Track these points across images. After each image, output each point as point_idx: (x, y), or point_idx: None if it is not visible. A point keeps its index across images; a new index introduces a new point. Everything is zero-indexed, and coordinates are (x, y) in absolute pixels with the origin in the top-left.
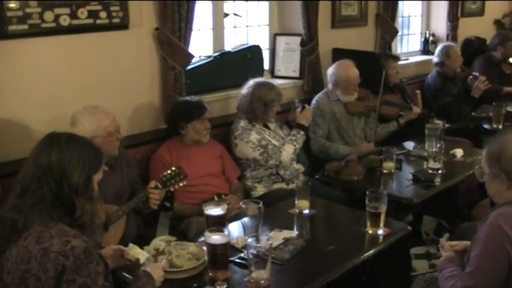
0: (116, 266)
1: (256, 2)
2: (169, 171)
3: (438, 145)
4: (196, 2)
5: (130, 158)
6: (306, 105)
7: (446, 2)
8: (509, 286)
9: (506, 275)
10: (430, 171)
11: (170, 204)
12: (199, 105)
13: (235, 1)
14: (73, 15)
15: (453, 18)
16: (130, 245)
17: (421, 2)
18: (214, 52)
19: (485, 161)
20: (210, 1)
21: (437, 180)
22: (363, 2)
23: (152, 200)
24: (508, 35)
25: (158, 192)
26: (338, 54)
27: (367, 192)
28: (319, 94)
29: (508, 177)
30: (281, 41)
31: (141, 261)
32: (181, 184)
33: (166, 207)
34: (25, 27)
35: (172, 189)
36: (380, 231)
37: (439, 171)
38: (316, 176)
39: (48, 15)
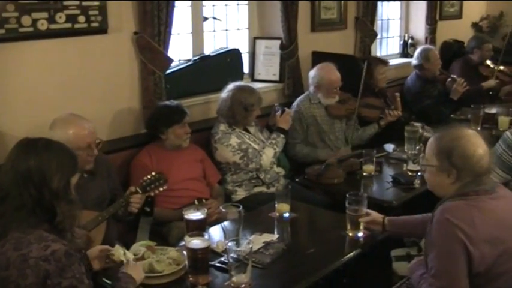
0: (101, 267)
1: (236, 5)
2: (149, 176)
3: (417, 147)
4: (175, 6)
5: (112, 165)
6: (286, 109)
7: (425, 5)
8: (475, 274)
9: (469, 264)
10: (410, 174)
11: (150, 209)
12: (180, 110)
13: (215, 5)
14: (51, 20)
15: (432, 21)
16: (117, 246)
17: (399, 4)
18: (193, 56)
19: (434, 154)
20: (190, 3)
21: (417, 182)
22: (342, 4)
23: (133, 203)
24: (484, 38)
25: (138, 197)
26: (318, 57)
27: (347, 195)
28: (300, 97)
29: (458, 173)
30: (261, 44)
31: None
32: (161, 189)
33: (146, 212)
34: (2, 31)
35: (152, 194)
36: (360, 234)
37: (419, 173)
38: (297, 180)
39: (26, 20)
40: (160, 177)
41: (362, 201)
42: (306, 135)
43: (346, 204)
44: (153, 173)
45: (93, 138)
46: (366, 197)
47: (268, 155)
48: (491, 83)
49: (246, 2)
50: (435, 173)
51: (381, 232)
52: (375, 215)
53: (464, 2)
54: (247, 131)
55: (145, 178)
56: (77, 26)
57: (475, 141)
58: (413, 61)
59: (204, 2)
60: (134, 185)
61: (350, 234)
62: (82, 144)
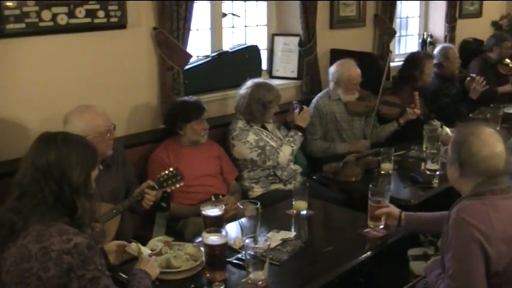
0: (119, 262)
1: (255, 2)
2: (166, 172)
3: (436, 146)
4: (195, 1)
5: (127, 157)
6: (304, 107)
7: (444, 3)
8: (493, 274)
9: (486, 264)
10: (428, 173)
11: (166, 204)
12: (198, 106)
13: (234, 1)
14: (71, 14)
15: (451, 20)
16: (133, 242)
17: (419, 3)
18: (212, 52)
19: (450, 146)
20: (208, 1)
21: (435, 182)
22: (361, 2)
23: (146, 200)
24: (503, 35)
25: (154, 193)
26: (336, 55)
27: (370, 186)
28: (320, 94)
29: (460, 166)
30: (279, 41)
31: (143, 255)
32: (178, 185)
33: (162, 207)
34: (22, 25)
35: (168, 190)
36: (381, 226)
37: (437, 173)
38: (314, 177)
39: (46, 14)
40: (178, 174)
41: (385, 193)
42: (324, 131)
43: (369, 195)
44: (171, 169)
45: (109, 122)
46: (389, 189)
47: (286, 153)
48: (507, 87)
49: None
50: (448, 165)
51: (396, 227)
52: (392, 208)
53: (484, 0)
54: (265, 128)
55: (162, 174)
56: (96, 21)
57: (485, 140)
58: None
59: None
60: (151, 179)
61: (371, 226)
62: (100, 128)
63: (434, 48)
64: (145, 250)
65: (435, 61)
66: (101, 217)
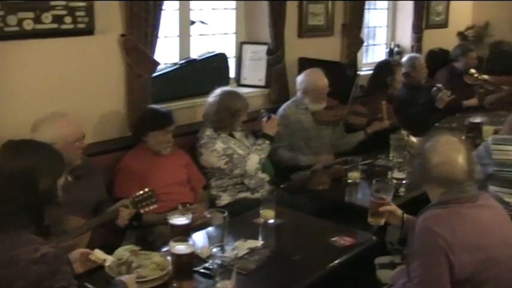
0: (83, 270)
1: (223, 10)
2: (141, 192)
3: (403, 155)
4: (163, 9)
5: (99, 170)
6: (272, 115)
7: (411, 13)
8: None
9: (450, 273)
10: (395, 181)
11: (138, 223)
12: (166, 116)
13: (202, 9)
14: (37, 20)
15: (418, 30)
16: (96, 250)
17: (386, 13)
18: (180, 60)
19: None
20: (177, 7)
21: (402, 191)
22: (330, 11)
23: (121, 218)
24: (468, 46)
25: (129, 212)
26: (304, 63)
27: (374, 181)
28: (287, 102)
29: (419, 173)
30: (248, 49)
31: (107, 263)
32: (151, 207)
33: (133, 225)
34: None
35: (142, 211)
36: (382, 223)
37: (404, 181)
38: (282, 186)
39: (11, 19)
40: (153, 196)
41: (390, 189)
42: (290, 140)
43: (373, 191)
44: (146, 190)
45: (79, 131)
46: (393, 185)
47: (253, 161)
48: (473, 101)
49: (234, 6)
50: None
51: (400, 228)
52: (396, 207)
53: (450, 11)
54: (232, 136)
55: (137, 194)
56: (63, 26)
57: (438, 148)
58: None
59: (191, 5)
60: (119, 189)
61: (372, 222)
62: (70, 138)
63: (401, 57)
64: (110, 258)
65: (403, 70)
66: (71, 231)
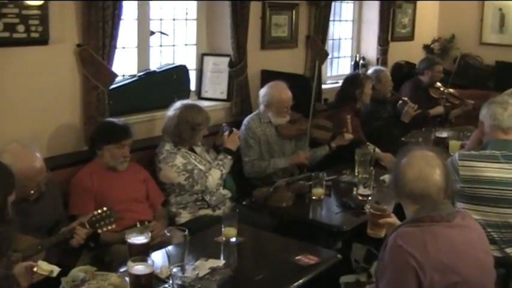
0: (28, 284)
1: (184, 20)
2: (99, 211)
3: (368, 171)
4: (122, 18)
5: (58, 191)
6: (234, 129)
7: (377, 26)
8: None
9: None
10: (360, 198)
11: (95, 244)
12: (123, 129)
13: (162, 19)
14: None
15: (383, 42)
16: (40, 261)
17: (351, 25)
18: (139, 72)
19: None
20: (136, 16)
21: (367, 207)
22: (294, 23)
23: (77, 238)
24: (434, 59)
25: (85, 232)
26: (267, 76)
27: (374, 192)
28: (250, 116)
29: (393, 188)
30: (209, 61)
31: (54, 274)
32: (110, 227)
33: (90, 246)
34: None
35: (99, 231)
36: (383, 234)
37: (369, 198)
38: (244, 203)
39: None
40: (111, 215)
41: (391, 200)
42: (260, 150)
43: (372, 203)
44: (105, 209)
45: (42, 175)
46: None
47: (215, 177)
48: (438, 109)
49: (195, 17)
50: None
51: None
52: (395, 219)
53: (416, 23)
54: (193, 151)
55: (95, 213)
56: (15, 35)
57: (412, 162)
58: None
59: (151, 15)
60: (72, 205)
61: (372, 235)
62: (29, 182)
63: (366, 70)
64: (56, 268)
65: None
66: (23, 250)
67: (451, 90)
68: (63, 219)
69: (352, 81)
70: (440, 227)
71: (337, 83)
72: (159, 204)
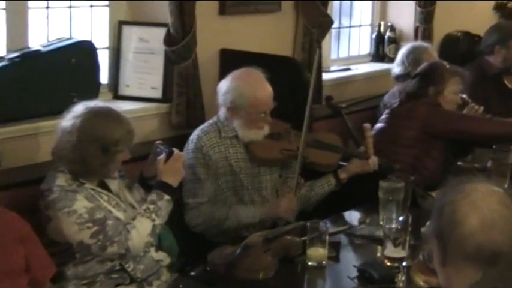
0: None
1: None
2: None
3: (401, 218)
4: None
5: None
6: (175, 150)
7: None
8: None
9: None
10: (389, 264)
11: None
12: None
13: None
14: None
15: (425, 2)
16: None
17: None
18: (9, 52)
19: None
20: None
21: (401, 280)
22: None
23: None
24: None
25: None
26: (231, 60)
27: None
28: (204, 127)
29: (439, 244)
30: (131, 34)
31: None
32: None
33: None
34: None
35: None
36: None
37: (404, 263)
38: (193, 273)
39: None
40: None
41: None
42: (215, 189)
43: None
44: None
45: None
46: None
47: (142, 231)
48: None
49: None
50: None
51: None
52: None
53: None
54: (105, 187)
55: None
56: None
57: (478, 202)
58: (395, 69)
59: None
60: None
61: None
62: None
63: (397, 48)
64: None
65: (400, 71)
66: None
67: None
68: None
69: (426, 74)
70: None
71: (348, 69)
72: (47, 280)
